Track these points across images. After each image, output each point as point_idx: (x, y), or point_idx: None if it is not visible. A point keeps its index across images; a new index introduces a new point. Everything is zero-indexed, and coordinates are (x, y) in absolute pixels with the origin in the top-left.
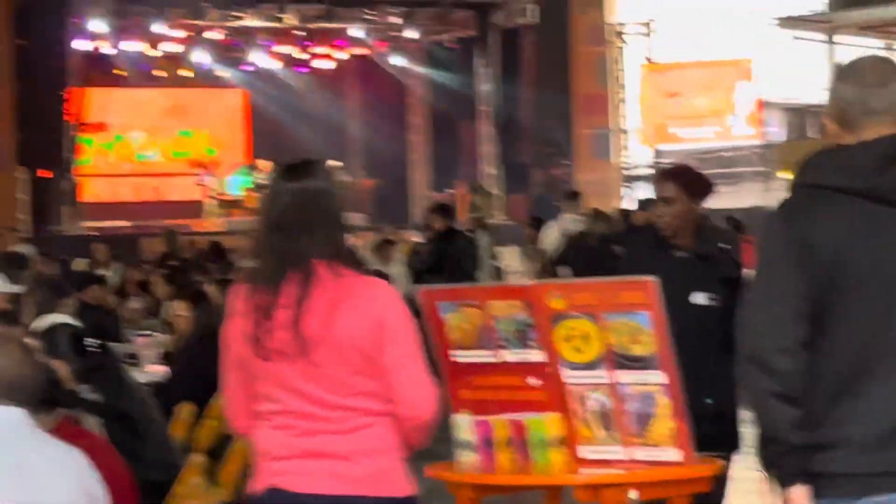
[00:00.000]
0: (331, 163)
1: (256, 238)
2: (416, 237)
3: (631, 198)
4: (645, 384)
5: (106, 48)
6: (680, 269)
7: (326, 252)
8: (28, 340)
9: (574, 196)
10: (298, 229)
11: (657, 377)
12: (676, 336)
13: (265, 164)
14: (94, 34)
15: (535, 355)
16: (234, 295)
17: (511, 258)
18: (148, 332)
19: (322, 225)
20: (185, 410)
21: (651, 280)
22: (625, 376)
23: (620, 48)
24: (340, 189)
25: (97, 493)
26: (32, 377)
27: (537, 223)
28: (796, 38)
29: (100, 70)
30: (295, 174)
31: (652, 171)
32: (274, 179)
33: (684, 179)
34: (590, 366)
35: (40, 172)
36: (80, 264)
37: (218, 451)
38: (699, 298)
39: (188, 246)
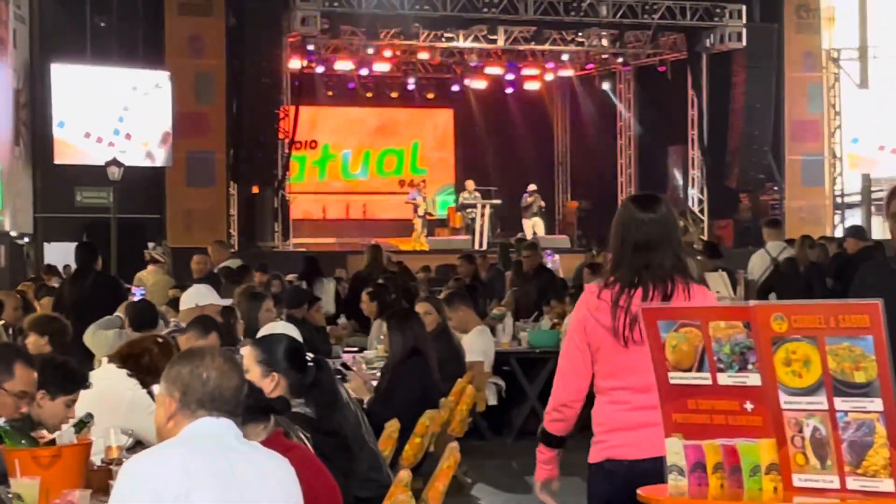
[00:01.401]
0: (532, 186)
1: (617, 254)
2: None
3: (843, 225)
4: (863, 412)
5: (318, 67)
6: None
7: (672, 265)
8: (244, 350)
9: (775, 224)
10: (653, 248)
11: (876, 405)
12: None
13: (471, 184)
14: (307, 53)
15: (753, 379)
16: (591, 296)
17: (717, 283)
18: (356, 349)
19: (668, 245)
20: (392, 427)
21: (876, 302)
22: (843, 403)
23: (836, 74)
24: (677, 217)
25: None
26: (238, 388)
27: (713, 250)
28: None
29: (312, 89)
30: (647, 205)
31: (859, 199)
32: (629, 209)
33: None
34: (808, 391)
35: (252, 189)
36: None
37: (422, 469)
38: None
39: (391, 263)
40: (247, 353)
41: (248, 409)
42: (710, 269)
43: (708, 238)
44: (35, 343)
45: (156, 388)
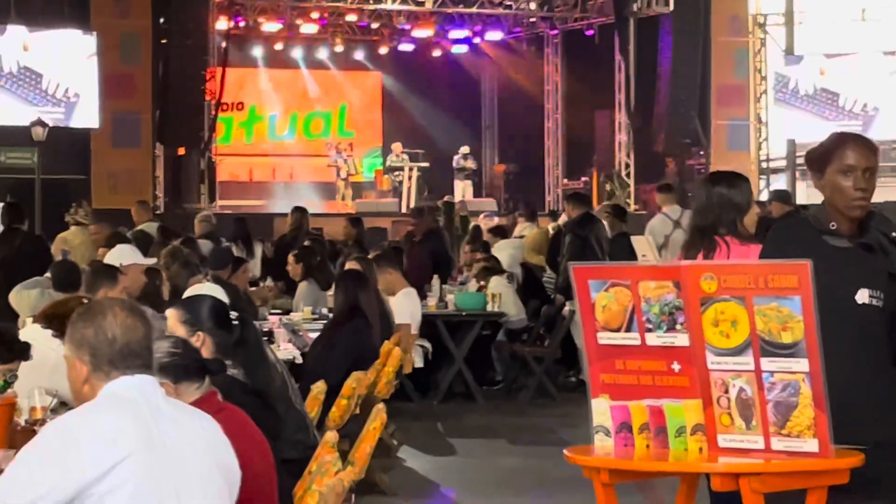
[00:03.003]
0: (464, 148)
1: (693, 223)
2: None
3: (768, 190)
4: (789, 372)
5: (245, 29)
6: (841, 261)
7: (733, 230)
8: (168, 313)
9: (668, 188)
10: (715, 217)
11: (802, 365)
12: (835, 343)
13: (398, 147)
14: (235, 14)
15: (681, 339)
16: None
17: (643, 247)
18: (280, 311)
19: (729, 213)
20: (318, 388)
21: (805, 263)
22: (770, 364)
23: (762, 39)
24: (743, 190)
25: (231, 465)
26: (146, 338)
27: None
28: None
29: (239, 50)
30: (717, 181)
31: (784, 164)
32: (704, 184)
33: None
34: (735, 351)
35: (178, 151)
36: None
37: (349, 430)
38: (863, 296)
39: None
40: (171, 314)
41: (184, 368)
42: (617, 232)
43: (634, 202)
44: None
45: None
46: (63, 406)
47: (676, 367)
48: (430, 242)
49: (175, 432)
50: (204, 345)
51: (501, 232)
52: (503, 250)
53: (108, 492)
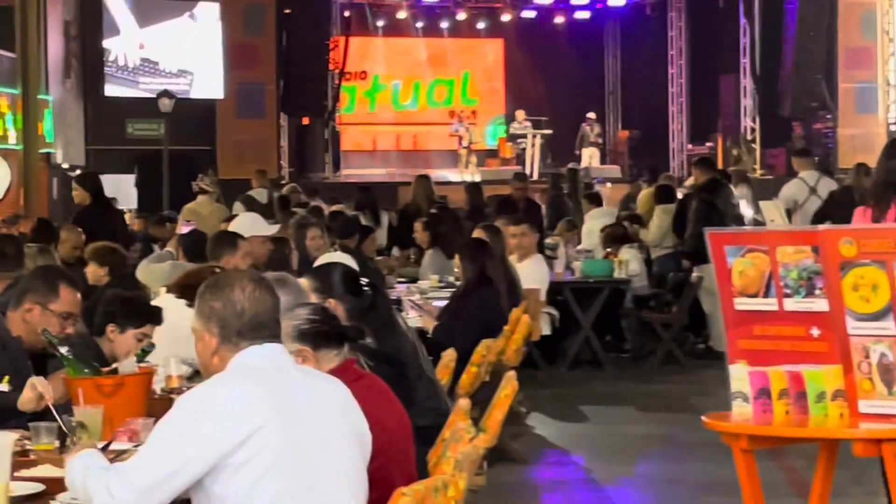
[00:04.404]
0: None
1: (874, 181)
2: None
3: None
4: None
5: None
6: None
7: None
8: (304, 280)
9: (805, 153)
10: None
11: None
12: None
13: (521, 114)
14: None
15: (820, 304)
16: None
17: (773, 212)
18: (406, 280)
19: None
20: (448, 356)
21: None
22: None
23: (890, 0)
24: None
25: (364, 431)
26: (273, 308)
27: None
28: None
29: (362, 20)
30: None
31: None
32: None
33: None
34: (876, 316)
35: (303, 120)
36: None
37: (479, 397)
38: None
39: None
40: (302, 283)
41: (324, 334)
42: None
43: (760, 166)
44: (94, 273)
45: None
46: (198, 375)
47: (816, 332)
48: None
49: (308, 399)
50: (336, 312)
51: (597, 199)
52: (595, 219)
53: (245, 462)
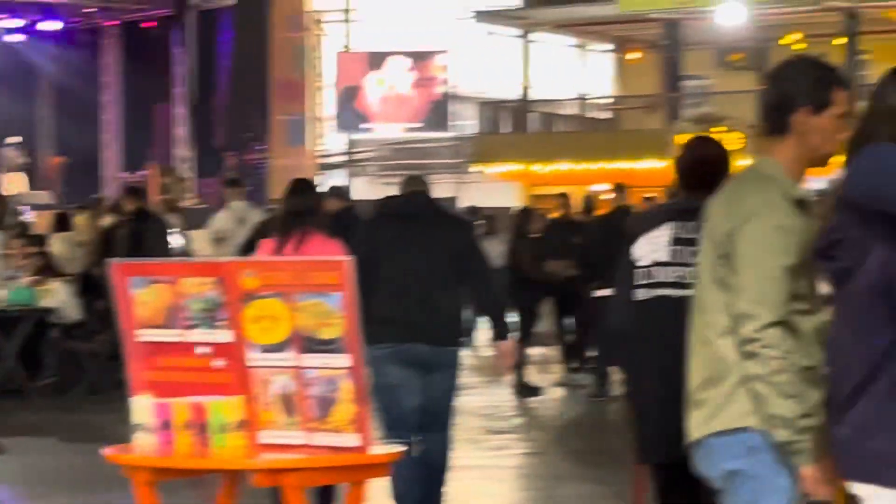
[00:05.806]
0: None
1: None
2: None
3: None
4: (330, 368)
5: None
6: None
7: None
8: None
9: (236, 182)
10: None
11: (343, 361)
12: None
13: None
14: None
15: (224, 336)
16: None
17: (200, 242)
18: None
19: None
20: None
21: (345, 260)
22: (311, 360)
23: (319, 36)
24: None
25: None
26: None
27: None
28: (491, 32)
29: None
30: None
31: (345, 160)
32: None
33: None
34: (277, 348)
35: None
36: None
37: None
38: None
39: None
40: None
41: None
42: None
43: (195, 196)
44: None
45: None
46: None
47: (220, 363)
48: None
49: None
50: None
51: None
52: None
53: None
